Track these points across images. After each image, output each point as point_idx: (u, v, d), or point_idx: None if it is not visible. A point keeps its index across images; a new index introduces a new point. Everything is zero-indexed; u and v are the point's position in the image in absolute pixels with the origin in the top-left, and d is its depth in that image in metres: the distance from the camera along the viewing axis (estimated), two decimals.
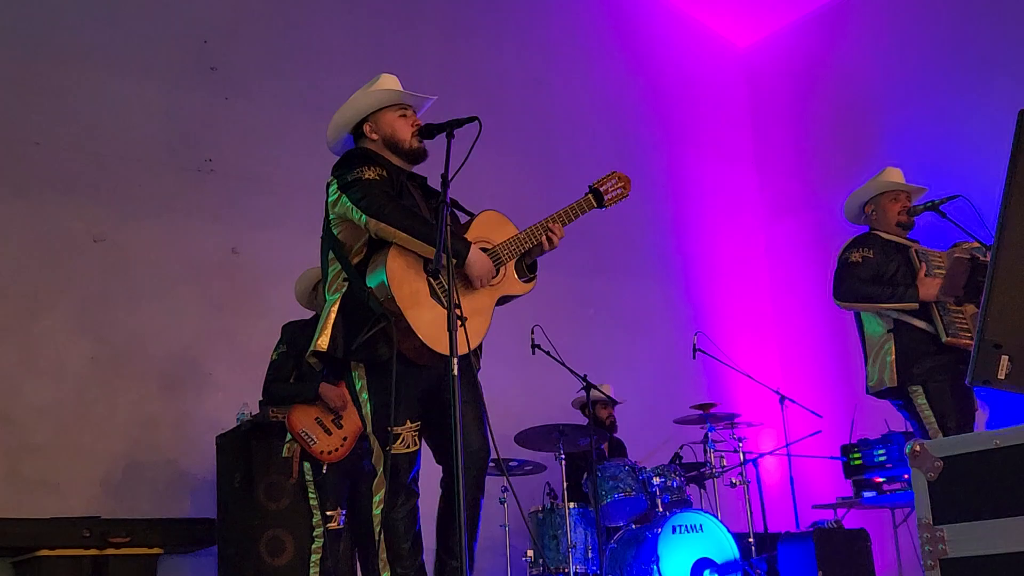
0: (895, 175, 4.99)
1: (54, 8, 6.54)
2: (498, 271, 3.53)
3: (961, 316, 4.51)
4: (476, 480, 3.44)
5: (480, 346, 3.63)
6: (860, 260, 4.71)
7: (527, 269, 3.69)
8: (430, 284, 3.37)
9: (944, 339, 4.44)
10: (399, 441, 3.37)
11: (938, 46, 8.03)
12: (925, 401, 4.48)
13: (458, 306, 3.25)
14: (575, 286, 8.01)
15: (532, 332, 5.86)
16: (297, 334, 5.09)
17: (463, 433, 3.22)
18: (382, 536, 3.36)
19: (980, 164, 6.89)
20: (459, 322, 3.24)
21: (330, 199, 3.49)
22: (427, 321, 3.31)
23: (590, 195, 3.78)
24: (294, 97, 7.17)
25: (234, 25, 7.19)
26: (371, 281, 3.35)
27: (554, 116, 8.45)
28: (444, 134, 3.34)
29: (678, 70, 9.41)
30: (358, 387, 3.44)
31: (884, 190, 4.93)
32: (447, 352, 3.23)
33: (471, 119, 3.28)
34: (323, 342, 3.40)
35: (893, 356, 4.58)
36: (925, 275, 4.56)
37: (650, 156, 8.97)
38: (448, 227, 3.14)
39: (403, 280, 3.32)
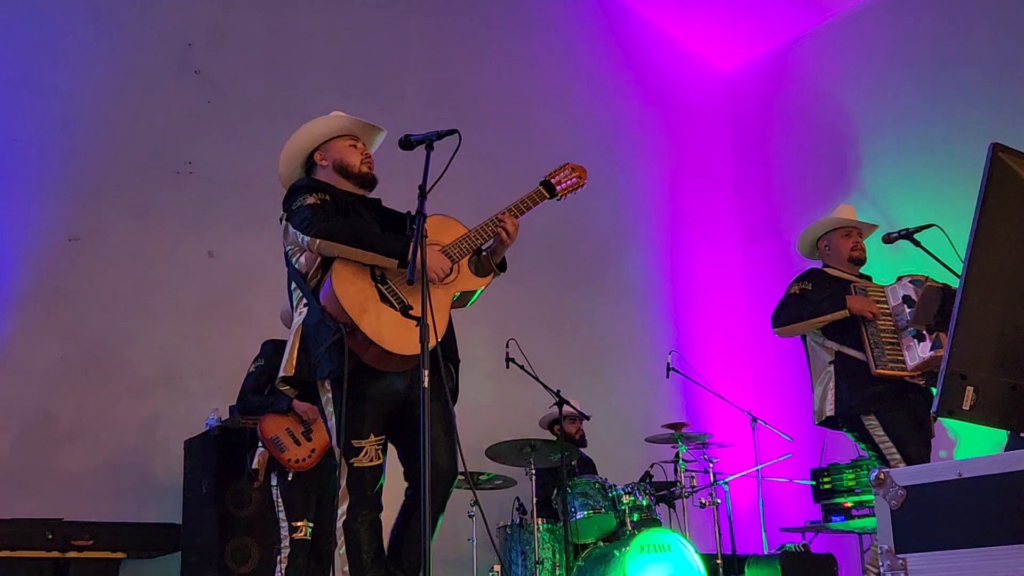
0: (848, 212, 5.07)
1: (37, 5, 6.51)
2: (452, 270, 3.54)
3: (894, 347, 4.54)
4: (441, 499, 3.44)
5: (456, 362, 3.64)
6: (799, 292, 4.84)
7: (497, 267, 3.69)
8: (379, 290, 3.40)
9: (874, 371, 4.48)
10: (362, 454, 3.37)
11: (915, 78, 8.12)
12: (882, 431, 4.52)
13: (411, 307, 3.28)
14: (551, 302, 8.02)
15: (507, 346, 5.85)
16: (274, 352, 5.15)
17: (432, 450, 3.24)
18: (344, 548, 3.35)
19: (954, 195, 6.95)
20: (415, 322, 3.26)
21: (282, 232, 3.58)
22: (381, 324, 3.33)
23: (541, 187, 3.81)
24: (276, 103, 7.16)
25: (219, 29, 7.17)
26: (322, 297, 3.40)
27: (536, 132, 8.47)
28: (424, 146, 3.34)
29: (661, 90, 9.46)
30: (324, 401, 3.46)
31: (837, 226, 5.01)
32: (408, 351, 3.30)
33: (451, 132, 3.29)
34: (289, 368, 3.46)
35: (833, 386, 4.64)
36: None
37: (630, 175, 9.00)
38: (422, 237, 3.13)
39: (349, 289, 3.36)
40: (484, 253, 3.70)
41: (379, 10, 7.95)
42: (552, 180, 3.84)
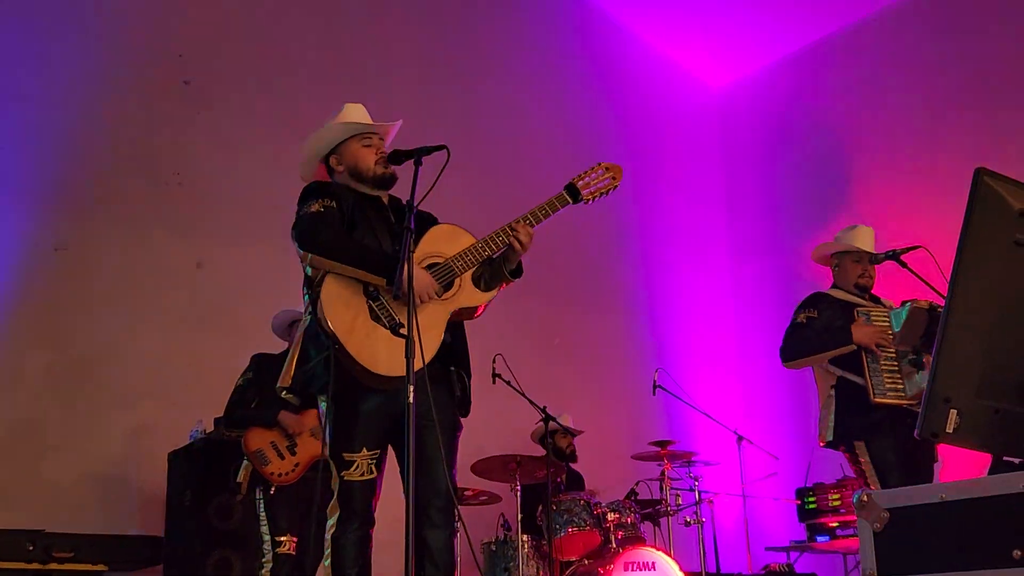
0: (863, 239, 5.01)
1: (28, 13, 6.49)
2: (452, 284, 3.46)
3: (894, 375, 4.55)
4: (443, 521, 3.39)
5: (467, 371, 3.58)
6: (804, 321, 4.83)
7: (510, 274, 3.57)
8: (370, 307, 3.34)
9: (872, 399, 4.50)
10: (353, 468, 3.33)
11: (905, 98, 8.18)
12: (868, 458, 4.55)
13: (402, 325, 3.21)
14: (539, 317, 8.01)
15: (493, 361, 5.83)
16: (264, 366, 5.15)
17: (431, 468, 3.28)
18: (330, 560, 3.33)
19: (941, 216, 6.98)
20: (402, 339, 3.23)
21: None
22: (369, 343, 3.28)
23: (565, 192, 3.59)
24: (266, 114, 7.15)
25: (210, 41, 7.17)
26: (316, 310, 3.35)
27: (526, 148, 8.47)
28: (412, 161, 3.33)
29: (652, 108, 9.49)
30: (322, 411, 3.43)
31: (848, 251, 4.99)
32: (392, 372, 3.23)
33: (439, 147, 3.27)
34: (287, 378, 3.41)
35: (834, 411, 4.66)
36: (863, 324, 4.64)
37: (621, 192, 8.96)
38: (409, 251, 3.12)
39: (339, 306, 3.30)
40: (496, 260, 3.55)
41: (370, 23, 7.96)
42: (579, 184, 3.59)
